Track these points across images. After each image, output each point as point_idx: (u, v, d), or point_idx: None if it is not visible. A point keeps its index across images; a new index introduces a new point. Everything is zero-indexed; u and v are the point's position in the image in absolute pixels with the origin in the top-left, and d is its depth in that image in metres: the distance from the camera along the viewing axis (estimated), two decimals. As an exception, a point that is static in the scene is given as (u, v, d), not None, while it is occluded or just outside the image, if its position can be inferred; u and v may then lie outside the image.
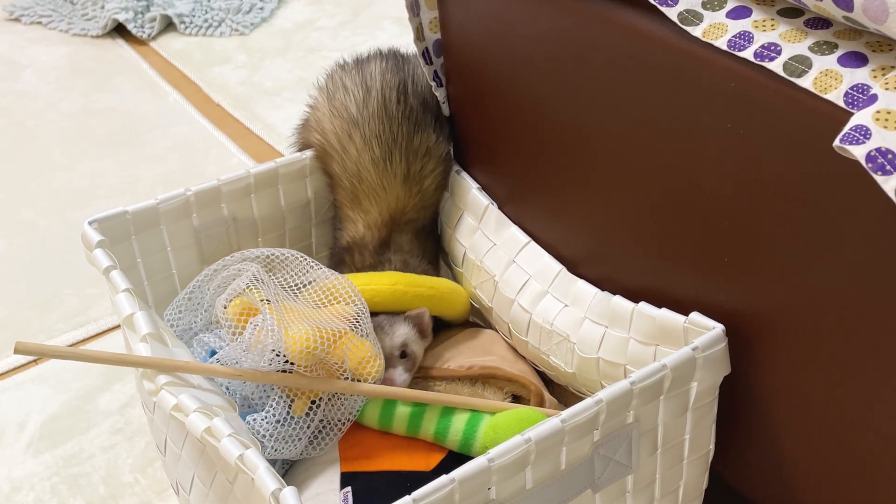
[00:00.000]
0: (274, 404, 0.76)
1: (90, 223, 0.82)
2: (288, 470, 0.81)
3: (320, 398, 0.78)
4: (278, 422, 0.76)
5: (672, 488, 0.74)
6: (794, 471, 0.70)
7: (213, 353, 0.79)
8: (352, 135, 0.90)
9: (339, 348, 0.76)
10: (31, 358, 1.16)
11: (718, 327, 0.68)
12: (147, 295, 0.89)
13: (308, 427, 0.77)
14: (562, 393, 0.91)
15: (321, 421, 0.78)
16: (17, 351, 0.67)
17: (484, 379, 0.85)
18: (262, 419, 0.76)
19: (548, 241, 0.85)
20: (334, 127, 0.91)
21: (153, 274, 0.89)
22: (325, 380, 0.76)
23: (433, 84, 0.91)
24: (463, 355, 0.87)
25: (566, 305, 0.81)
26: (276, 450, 0.76)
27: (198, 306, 0.84)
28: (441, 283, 0.90)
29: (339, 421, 0.79)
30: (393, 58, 0.93)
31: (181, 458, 0.75)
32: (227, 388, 0.78)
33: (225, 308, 0.78)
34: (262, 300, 0.77)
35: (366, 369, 0.77)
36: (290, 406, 0.76)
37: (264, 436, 0.75)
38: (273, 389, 0.77)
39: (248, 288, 0.78)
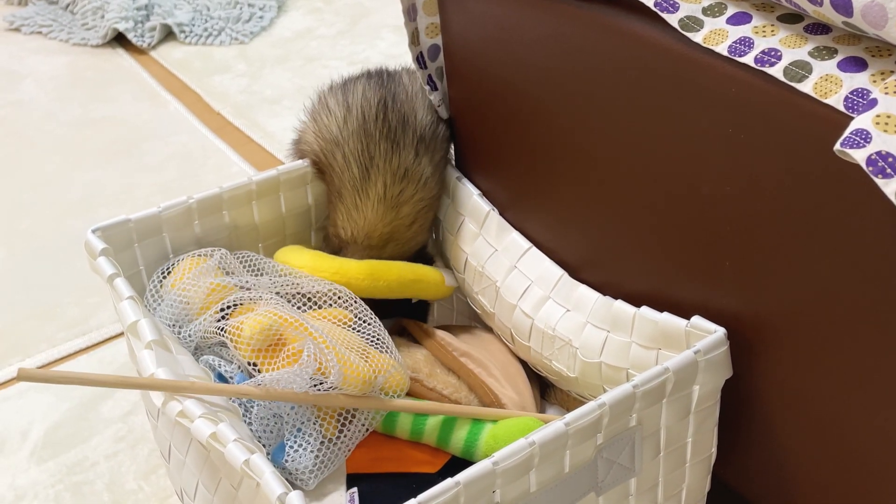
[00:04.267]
0: (311, 431, 0.77)
1: (93, 231, 0.83)
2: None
3: (348, 413, 0.78)
4: (318, 450, 0.76)
5: (675, 492, 0.74)
6: (796, 474, 0.71)
7: (220, 376, 0.79)
8: (335, 154, 0.90)
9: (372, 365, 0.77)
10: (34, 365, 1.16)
11: (720, 331, 0.68)
12: (150, 302, 0.89)
13: (341, 448, 0.78)
14: (564, 397, 0.91)
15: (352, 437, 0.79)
16: (20, 378, 0.65)
17: (458, 368, 0.87)
18: (304, 452, 0.76)
19: (549, 247, 0.85)
20: (321, 147, 0.92)
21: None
22: (324, 395, 0.76)
23: (427, 88, 0.92)
24: (457, 339, 0.89)
25: (568, 310, 0.81)
26: (316, 480, 0.77)
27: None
28: (418, 269, 0.91)
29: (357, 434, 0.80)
30: (377, 76, 0.93)
31: (185, 464, 0.76)
32: (249, 410, 0.78)
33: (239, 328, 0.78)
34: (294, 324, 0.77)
35: (391, 386, 0.79)
36: (321, 429, 0.77)
37: (304, 472, 0.76)
38: (305, 411, 0.78)
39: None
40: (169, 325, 0.81)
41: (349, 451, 0.79)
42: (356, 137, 0.89)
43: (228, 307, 0.81)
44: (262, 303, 0.81)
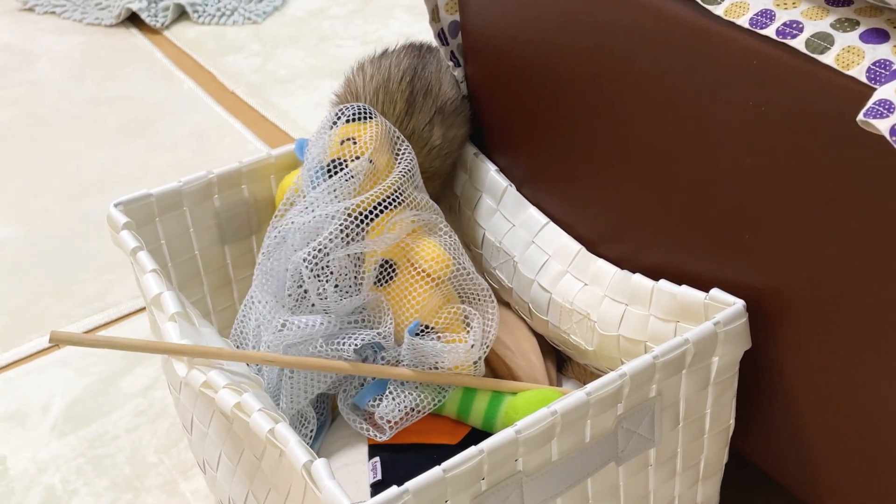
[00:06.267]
0: (411, 386, 0.79)
1: (116, 205, 0.83)
2: (314, 443, 0.82)
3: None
4: (407, 409, 0.78)
5: (693, 462, 0.75)
6: (813, 446, 0.71)
7: (377, 346, 0.79)
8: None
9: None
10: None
11: (739, 303, 0.69)
12: (171, 276, 0.90)
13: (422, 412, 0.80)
14: (580, 371, 0.92)
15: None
16: (52, 340, 0.66)
17: None
18: (397, 404, 0.78)
19: (566, 222, 0.86)
20: (341, 102, 0.92)
21: (176, 255, 0.90)
22: (366, 365, 0.77)
23: (450, 64, 0.92)
24: None
25: (586, 284, 0.82)
26: (391, 433, 0.78)
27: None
28: None
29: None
30: (417, 48, 0.94)
31: (208, 435, 0.77)
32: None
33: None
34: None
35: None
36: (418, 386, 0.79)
37: (390, 421, 0.77)
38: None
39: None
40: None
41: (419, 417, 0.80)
42: (374, 92, 0.89)
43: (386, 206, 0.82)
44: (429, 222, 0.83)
